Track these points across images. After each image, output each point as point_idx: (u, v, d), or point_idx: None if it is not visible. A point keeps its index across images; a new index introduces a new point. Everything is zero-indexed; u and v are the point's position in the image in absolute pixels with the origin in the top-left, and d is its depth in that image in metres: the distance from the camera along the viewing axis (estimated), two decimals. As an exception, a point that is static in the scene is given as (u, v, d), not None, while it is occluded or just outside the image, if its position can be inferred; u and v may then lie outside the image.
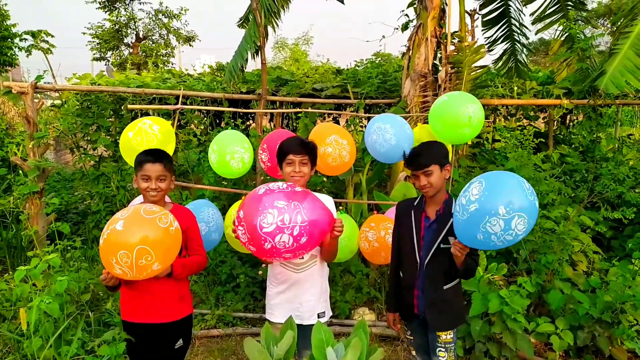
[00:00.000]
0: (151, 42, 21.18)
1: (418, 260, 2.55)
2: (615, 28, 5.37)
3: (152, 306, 2.51)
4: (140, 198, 2.71)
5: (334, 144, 3.30)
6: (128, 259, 2.06)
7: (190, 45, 21.71)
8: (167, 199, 2.73)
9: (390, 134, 3.28)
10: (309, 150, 2.60)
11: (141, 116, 6.08)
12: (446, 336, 2.58)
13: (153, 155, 2.55)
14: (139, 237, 2.07)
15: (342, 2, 6.06)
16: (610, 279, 3.76)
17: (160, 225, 2.13)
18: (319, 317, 2.64)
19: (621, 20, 4.91)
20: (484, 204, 2.04)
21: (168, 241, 2.16)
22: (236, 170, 3.42)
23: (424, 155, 2.48)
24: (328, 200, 2.70)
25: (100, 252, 2.16)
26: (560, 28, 5.67)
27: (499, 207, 2.00)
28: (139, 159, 2.54)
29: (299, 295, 2.60)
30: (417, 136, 3.55)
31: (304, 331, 2.48)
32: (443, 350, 2.58)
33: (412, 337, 2.78)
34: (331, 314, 2.80)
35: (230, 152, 3.35)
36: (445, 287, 2.54)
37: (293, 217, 2.12)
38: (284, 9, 5.49)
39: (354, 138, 5.08)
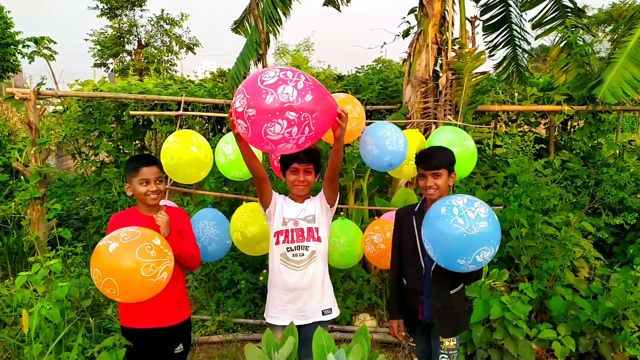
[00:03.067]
0: (153, 49, 21.25)
1: (423, 266, 2.55)
2: (615, 35, 5.39)
3: (151, 311, 2.51)
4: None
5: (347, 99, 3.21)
6: (98, 279, 2.08)
7: (193, 52, 21.79)
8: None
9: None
10: (314, 159, 2.60)
11: (143, 123, 6.15)
12: (449, 342, 2.58)
13: (146, 159, 2.54)
14: (115, 271, 2.07)
15: (339, 10, 6.10)
16: (612, 285, 3.75)
17: (142, 274, 2.09)
18: (323, 314, 2.63)
19: (621, 29, 4.94)
20: (490, 230, 2.06)
21: (139, 289, 2.14)
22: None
23: (436, 157, 2.50)
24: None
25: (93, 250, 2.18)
26: (560, 34, 5.69)
27: (496, 239, 2.10)
28: (133, 165, 2.51)
29: (301, 294, 2.60)
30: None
31: (308, 330, 2.48)
32: (446, 357, 2.58)
33: (414, 344, 2.77)
34: (338, 313, 2.77)
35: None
36: (451, 292, 2.54)
37: (296, 75, 2.00)
38: (285, 16, 5.51)
39: (354, 144, 5.09)
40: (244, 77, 5.40)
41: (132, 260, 2.07)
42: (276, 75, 1.97)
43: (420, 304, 2.58)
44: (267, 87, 1.93)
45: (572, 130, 6.91)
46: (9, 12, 13.32)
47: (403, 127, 4.84)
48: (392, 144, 3.22)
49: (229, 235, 3.25)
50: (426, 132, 4.68)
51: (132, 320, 2.55)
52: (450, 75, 4.74)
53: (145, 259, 2.09)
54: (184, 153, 3.20)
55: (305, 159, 2.57)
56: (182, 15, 20.90)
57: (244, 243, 3.22)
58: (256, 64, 5.33)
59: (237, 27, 6.50)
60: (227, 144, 3.36)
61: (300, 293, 2.59)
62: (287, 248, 2.59)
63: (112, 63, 21.01)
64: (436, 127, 4.65)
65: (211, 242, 3.16)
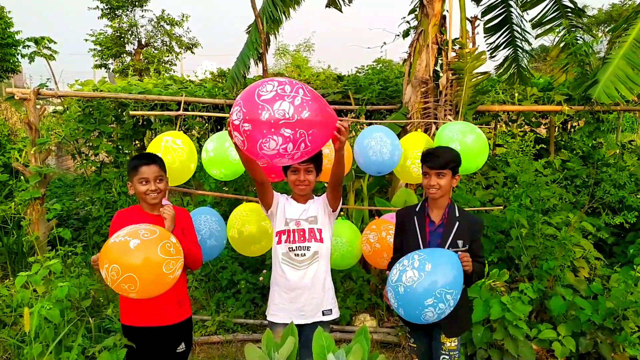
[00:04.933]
0: (153, 49, 21.23)
1: None
2: (610, 35, 5.40)
3: (152, 309, 2.51)
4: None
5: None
6: (116, 275, 2.07)
7: (192, 52, 21.77)
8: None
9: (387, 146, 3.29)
10: (315, 158, 2.59)
11: (143, 123, 6.15)
12: (451, 344, 2.57)
13: (146, 158, 2.57)
14: (138, 267, 2.07)
15: (341, 11, 6.10)
16: (612, 285, 3.75)
17: (163, 270, 2.12)
18: (324, 314, 2.64)
19: (617, 29, 4.95)
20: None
21: (157, 285, 2.16)
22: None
23: (443, 157, 2.50)
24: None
25: (104, 246, 2.16)
26: (560, 34, 5.69)
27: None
28: (133, 164, 2.54)
29: (302, 293, 2.61)
30: (411, 142, 3.58)
31: (308, 331, 2.49)
32: (448, 357, 2.58)
33: (415, 345, 2.76)
34: (338, 314, 2.78)
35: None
36: None
37: (294, 89, 1.98)
38: (286, 16, 5.51)
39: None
40: (244, 77, 5.41)
41: (155, 257, 2.10)
42: (274, 89, 1.95)
43: None
44: (263, 102, 1.92)
45: (572, 130, 6.91)
46: (9, 12, 13.33)
47: (403, 127, 4.84)
48: (375, 154, 3.25)
49: (226, 233, 3.25)
50: (426, 132, 4.68)
51: (133, 318, 2.56)
52: (451, 75, 4.74)
53: (166, 256, 2.13)
54: (185, 164, 3.21)
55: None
56: (183, 16, 20.89)
57: (240, 241, 3.21)
58: (256, 63, 5.33)
59: (250, 30, 6.50)
60: (211, 141, 3.37)
61: (301, 292, 2.60)
62: (289, 248, 2.61)
63: (112, 63, 20.99)
64: (436, 128, 4.65)
65: (211, 236, 3.15)
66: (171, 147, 3.16)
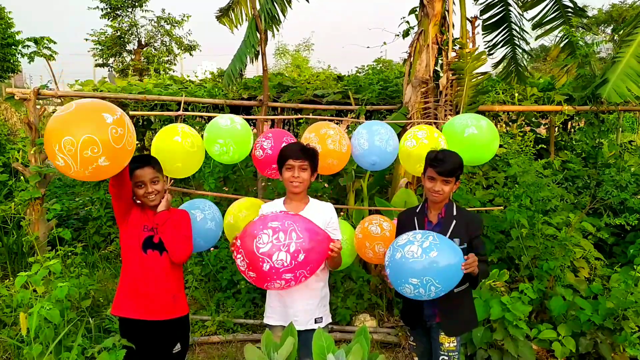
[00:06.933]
0: (153, 49, 21.24)
1: None
2: (617, 36, 5.39)
3: (144, 302, 2.52)
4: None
5: (337, 130, 3.27)
6: (72, 147, 1.94)
7: (190, 54, 21.77)
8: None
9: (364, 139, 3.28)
10: (309, 156, 2.59)
11: (143, 123, 6.15)
12: (449, 344, 2.57)
13: (139, 161, 2.53)
14: (80, 128, 1.95)
15: (307, 0, 5.99)
16: (612, 286, 3.75)
17: (105, 120, 2.01)
18: (315, 322, 2.63)
19: (624, 29, 4.94)
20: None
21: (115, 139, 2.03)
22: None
23: (451, 164, 2.48)
24: (328, 207, 2.70)
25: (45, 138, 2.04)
26: (560, 34, 5.69)
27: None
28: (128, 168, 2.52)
29: (298, 299, 2.59)
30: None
31: (301, 336, 2.48)
32: (446, 358, 2.57)
33: (414, 344, 2.77)
34: (330, 320, 2.77)
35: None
36: (456, 291, 2.52)
37: (287, 235, 2.24)
38: (284, 14, 5.49)
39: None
40: (241, 75, 5.39)
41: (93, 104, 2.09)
42: (269, 240, 2.22)
43: (424, 302, 2.55)
44: (262, 255, 2.21)
45: (572, 130, 6.91)
46: (9, 12, 13.34)
47: (403, 127, 4.84)
48: (380, 140, 3.23)
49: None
50: (426, 132, 4.67)
51: (127, 309, 2.56)
52: (451, 75, 4.74)
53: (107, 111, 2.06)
54: (200, 150, 3.14)
55: (300, 155, 2.56)
56: (184, 16, 20.90)
57: (235, 227, 3.11)
58: (253, 62, 5.31)
59: (222, 16, 6.37)
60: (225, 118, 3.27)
61: (297, 297, 2.59)
62: None
63: (112, 63, 21.00)
64: (437, 128, 4.65)
65: (213, 219, 3.09)
66: (188, 132, 3.06)
